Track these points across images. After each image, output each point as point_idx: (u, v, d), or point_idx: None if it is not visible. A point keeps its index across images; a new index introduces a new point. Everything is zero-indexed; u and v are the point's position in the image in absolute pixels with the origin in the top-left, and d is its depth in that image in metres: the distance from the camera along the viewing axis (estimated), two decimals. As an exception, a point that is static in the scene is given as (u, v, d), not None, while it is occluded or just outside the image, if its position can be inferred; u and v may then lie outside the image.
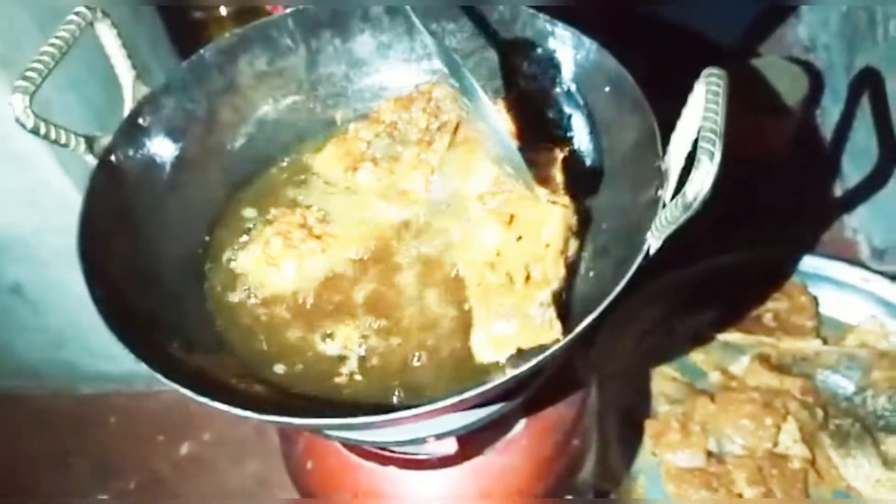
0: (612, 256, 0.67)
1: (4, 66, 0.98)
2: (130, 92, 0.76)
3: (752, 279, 1.47)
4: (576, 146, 0.77)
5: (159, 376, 0.60)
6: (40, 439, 1.59)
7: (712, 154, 0.53)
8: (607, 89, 0.74)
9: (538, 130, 0.80)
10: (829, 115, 1.65)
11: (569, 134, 0.78)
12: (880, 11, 1.34)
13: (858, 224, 1.58)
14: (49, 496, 1.52)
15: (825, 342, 1.42)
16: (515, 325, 0.66)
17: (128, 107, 0.76)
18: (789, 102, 1.54)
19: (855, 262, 1.50)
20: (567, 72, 0.77)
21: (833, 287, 1.46)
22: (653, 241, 0.61)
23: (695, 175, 0.54)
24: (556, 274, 0.69)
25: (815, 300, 1.46)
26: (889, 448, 1.28)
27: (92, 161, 0.72)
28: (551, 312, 0.66)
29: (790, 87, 1.55)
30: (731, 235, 1.40)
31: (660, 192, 0.63)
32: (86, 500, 1.51)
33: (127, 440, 1.57)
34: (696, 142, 0.57)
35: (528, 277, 0.68)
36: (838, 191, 1.62)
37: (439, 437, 0.76)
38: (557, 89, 0.78)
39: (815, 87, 1.62)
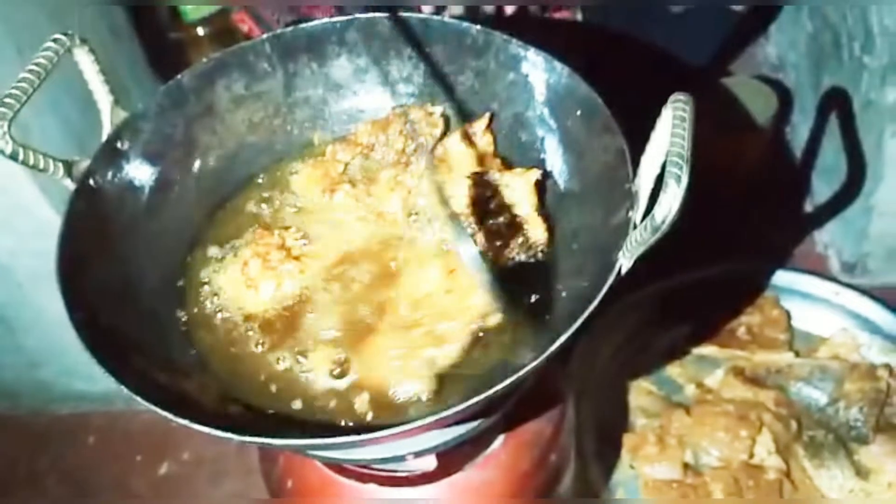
0: (585, 275, 0.69)
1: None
2: (108, 117, 0.77)
3: (726, 293, 1.50)
4: (549, 168, 0.79)
5: (139, 399, 0.61)
6: (16, 460, 1.58)
7: (679, 178, 0.55)
8: (578, 113, 0.75)
9: (512, 153, 0.82)
10: (798, 133, 1.68)
11: (542, 156, 0.80)
12: (845, 33, 1.37)
13: (829, 239, 1.61)
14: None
15: (798, 355, 1.44)
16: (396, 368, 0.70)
17: (106, 131, 0.77)
18: (759, 121, 1.57)
19: (826, 276, 1.53)
20: (539, 96, 0.79)
21: (805, 301, 1.49)
22: (624, 261, 0.62)
23: (663, 198, 0.55)
24: (456, 338, 0.71)
25: (787, 314, 1.49)
26: (862, 458, 1.31)
27: (70, 185, 0.73)
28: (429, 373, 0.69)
29: (760, 105, 1.57)
30: (704, 251, 1.42)
31: (630, 213, 0.64)
32: (63, 521, 1.50)
33: (105, 460, 1.56)
34: (664, 164, 0.59)
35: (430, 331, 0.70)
36: (808, 207, 1.66)
37: (418, 454, 0.77)
38: (530, 112, 0.80)
39: (784, 105, 1.65)
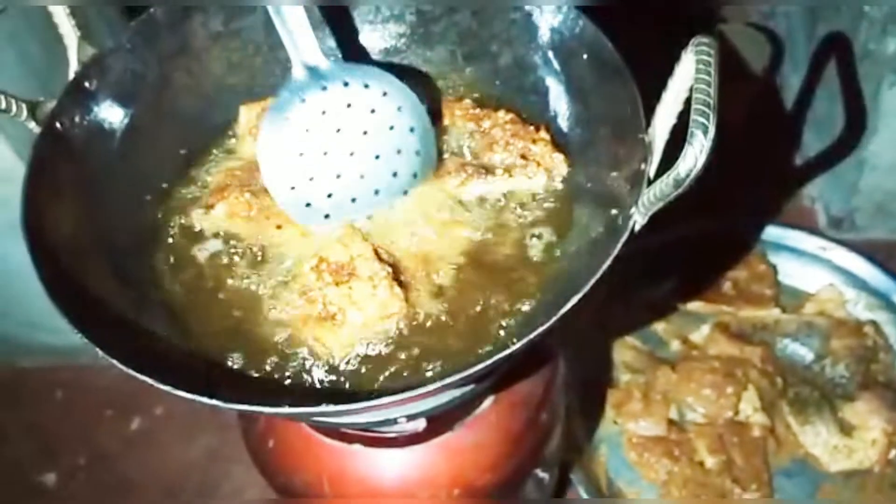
0: (593, 231, 0.65)
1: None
2: (75, 54, 0.71)
3: (711, 248, 1.47)
4: (553, 114, 0.74)
5: (113, 360, 0.56)
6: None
7: (706, 128, 0.51)
8: (585, 56, 0.70)
9: (514, 98, 0.76)
10: (789, 84, 1.64)
11: (546, 102, 0.75)
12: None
13: (817, 193, 1.58)
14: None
15: (784, 310, 1.43)
16: None
17: (73, 70, 0.70)
18: (751, 69, 1.53)
19: (813, 230, 1.51)
20: (543, 37, 0.74)
21: (792, 256, 1.47)
22: (639, 218, 0.58)
23: (688, 150, 0.51)
24: None
25: (773, 269, 1.47)
26: (846, 415, 1.30)
27: (35, 128, 0.67)
28: None
29: (752, 53, 1.54)
30: (689, 204, 1.39)
31: (643, 166, 0.60)
32: (32, 477, 1.45)
33: (73, 416, 1.51)
34: (681, 113, 0.55)
35: None
36: (797, 160, 1.63)
37: (412, 417, 0.74)
38: (533, 55, 0.75)
39: (776, 54, 1.61)
